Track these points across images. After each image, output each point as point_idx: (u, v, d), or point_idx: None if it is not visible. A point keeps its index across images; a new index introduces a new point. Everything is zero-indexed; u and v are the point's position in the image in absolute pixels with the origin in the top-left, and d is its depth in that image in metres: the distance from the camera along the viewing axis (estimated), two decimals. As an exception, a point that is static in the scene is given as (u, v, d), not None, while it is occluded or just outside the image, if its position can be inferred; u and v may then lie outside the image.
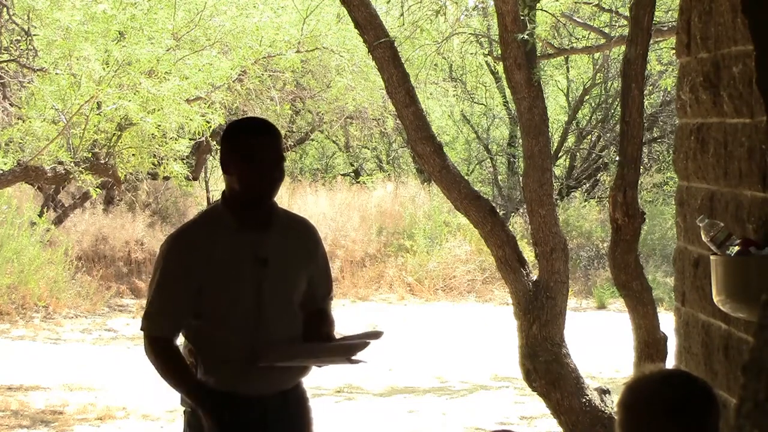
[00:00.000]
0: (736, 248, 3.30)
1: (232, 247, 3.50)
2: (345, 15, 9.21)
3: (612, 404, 6.24)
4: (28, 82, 10.63)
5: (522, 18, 6.26)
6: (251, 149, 3.50)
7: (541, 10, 8.59)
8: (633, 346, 5.54)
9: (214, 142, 14.78)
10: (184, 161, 12.75)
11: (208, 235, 3.55)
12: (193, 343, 3.59)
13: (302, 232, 3.73)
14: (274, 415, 3.60)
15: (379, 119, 16.81)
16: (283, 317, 3.59)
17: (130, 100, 9.96)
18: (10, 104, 11.13)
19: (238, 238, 3.53)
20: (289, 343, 3.58)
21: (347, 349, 3.56)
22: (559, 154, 18.73)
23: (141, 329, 3.61)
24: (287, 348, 3.56)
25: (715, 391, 2.60)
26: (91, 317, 13.22)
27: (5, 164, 9.78)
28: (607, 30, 9.66)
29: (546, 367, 6.16)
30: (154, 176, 14.26)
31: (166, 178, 13.97)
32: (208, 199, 17.27)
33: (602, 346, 11.30)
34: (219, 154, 3.65)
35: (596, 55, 16.58)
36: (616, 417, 2.61)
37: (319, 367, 3.70)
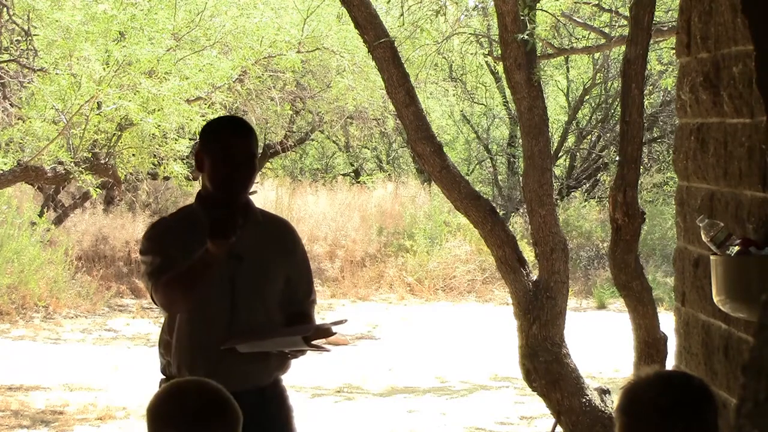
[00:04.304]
0: (736, 248, 3.30)
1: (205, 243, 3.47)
2: (345, 15, 9.21)
3: (612, 404, 6.24)
4: (28, 82, 10.64)
5: (522, 18, 6.26)
6: (221, 149, 3.53)
7: (541, 10, 8.59)
8: (633, 346, 5.54)
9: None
10: (184, 161, 12.75)
11: (184, 230, 3.57)
12: (168, 335, 3.60)
13: (280, 231, 3.74)
14: (250, 411, 3.55)
15: (379, 119, 16.81)
16: (258, 314, 3.58)
17: (130, 101, 9.96)
18: (10, 104, 11.13)
19: None
20: (251, 329, 3.57)
21: (308, 332, 3.55)
22: (559, 154, 18.74)
23: (148, 289, 3.59)
24: (249, 333, 3.55)
25: (712, 389, 2.60)
26: (91, 317, 13.22)
27: (5, 164, 9.78)
28: (607, 30, 9.66)
29: (546, 367, 6.16)
30: (154, 176, 14.26)
31: (166, 178, 13.97)
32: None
33: (602, 346, 11.30)
34: (194, 153, 3.68)
35: (596, 55, 16.59)
36: (616, 421, 2.61)
37: (289, 357, 3.65)
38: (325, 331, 3.55)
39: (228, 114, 13.13)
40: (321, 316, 11.72)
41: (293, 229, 3.80)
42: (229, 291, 3.55)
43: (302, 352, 3.62)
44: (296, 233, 3.79)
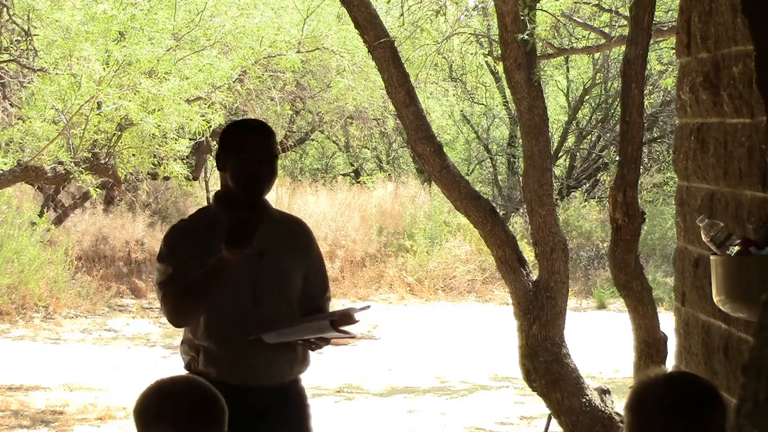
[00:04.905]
0: (736, 248, 3.30)
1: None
2: (345, 15, 9.21)
3: (612, 404, 6.24)
4: (28, 82, 10.63)
5: (522, 18, 6.26)
6: (243, 147, 3.63)
7: (541, 10, 8.58)
8: (633, 346, 5.54)
9: (214, 142, 14.75)
10: (184, 161, 12.75)
11: (205, 231, 3.63)
12: (193, 334, 3.66)
13: (296, 230, 3.83)
14: (271, 407, 3.66)
15: (379, 119, 16.81)
16: (279, 309, 3.66)
17: (130, 100, 9.95)
18: (10, 104, 11.12)
19: None
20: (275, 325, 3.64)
21: (331, 317, 3.62)
22: (559, 154, 18.75)
23: (159, 298, 3.64)
24: (276, 324, 3.62)
25: (719, 392, 2.60)
26: (91, 317, 13.22)
27: (5, 164, 9.78)
28: (607, 30, 9.65)
29: (546, 367, 6.16)
30: (154, 176, 14.26)
31: (166, 178, 13.97)
32: (207, 199, 17.27)
33: (602, 346, 11.31)
34: (215, 152, 3.78)
35: (596, 55, 16.59)
36: (622, 421, 2.63)
37: (311, 349, 3.72)
38: (349, 318, 3.63)
39: (228, 113, 13.14)
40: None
41: (308, 228, 3.89)
42: (251, 288, 3.63)
43: (326, 341, 3.69)
44: (311, 232, 3.89)
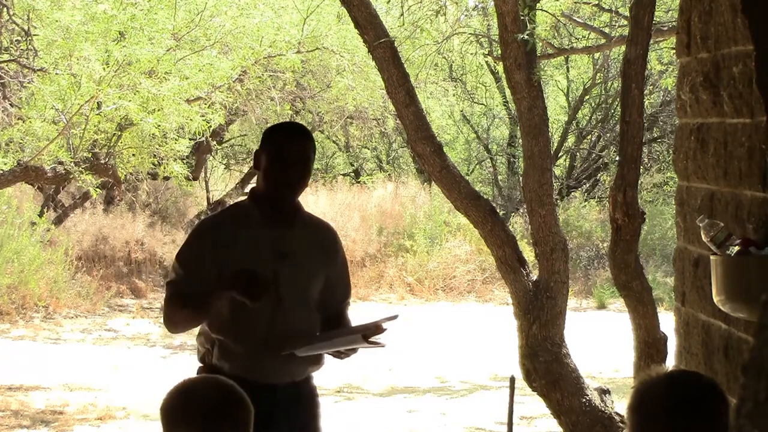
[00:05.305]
0: (736, 248, 3.30)
1: (254, 239, 3.68)
2: (345, 15, 9.21)
3: (612, 404, 6.24)
4: (28, 82, 10.62)
5: (522, 18, 6.26)
6: (277, 150, 3.70)
7: (541, 10, 8.58)
8: (633, 346, 5.54)
9: (214, 142, 14.77)
10: (184, 161, 12.75)
11: (233, 225, 3.73)
12: (210, 327, 3.70)
13: (324, 235, 3.90)
14: (284, 404, 3.71)
15: (379, 119, 16.81)
16: (300, 310, 3.72)
17: (130, 100, 9.95)
18: (10, 104, 11.12)
19: (260, 232, 3.70)
20: (307, 333, 3.71)
21: (364, 331, 3.67)
22: (559, 154, 18.74)
23: (164, 300, 3.77)
24: (306, 337, 3.69)
25: (721, 388, 2.60)
26: (91, 317, 13.22)
27: (5, 164, 9.77)
28: (607, 30, 9.65)
29: (546, 367, 6.16)
30: (154, 176, 14.26)
31: (166, 178, 13.97)
32: (208, 199, 17.27)
33: (602, 346, 11.30)
34: (254, 152, 3.93)
35: (596, 55, 16.59)
36: (622, 421, 2.62)
37: (340, 358, 3.78)
38: (378, 328, 3.67)
39: (228, 113, 13.14)
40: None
41: (336, 234, 3.96)
42: (273, 288, 3.66)
43: (354, 351, 3.76)
44: (338, 239, 3.96)
